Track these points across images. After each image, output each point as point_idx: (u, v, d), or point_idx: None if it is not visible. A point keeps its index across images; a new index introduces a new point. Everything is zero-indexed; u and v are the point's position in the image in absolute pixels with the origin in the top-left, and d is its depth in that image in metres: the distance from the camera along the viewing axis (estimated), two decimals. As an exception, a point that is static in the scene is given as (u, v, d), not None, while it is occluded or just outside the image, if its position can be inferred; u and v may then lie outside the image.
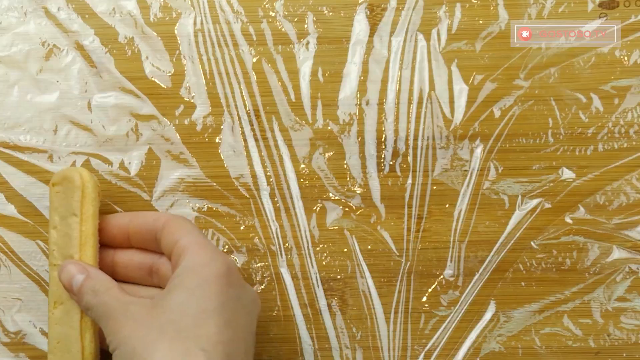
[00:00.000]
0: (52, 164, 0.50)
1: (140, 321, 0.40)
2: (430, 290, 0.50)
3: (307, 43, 0.50)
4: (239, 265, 0.50)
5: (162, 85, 0.50)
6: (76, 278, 0.44)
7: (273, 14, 0.50)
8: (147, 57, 0.50)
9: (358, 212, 0.50)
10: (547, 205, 0.50)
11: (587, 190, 0.50)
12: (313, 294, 0.50)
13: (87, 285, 0.43)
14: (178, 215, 0.46)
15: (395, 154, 0.50)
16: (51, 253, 0.46)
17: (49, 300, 0.46)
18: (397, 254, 0.50)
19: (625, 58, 0.50)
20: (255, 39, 0.50)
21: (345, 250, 0.50)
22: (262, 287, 0.50)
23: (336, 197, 0.50)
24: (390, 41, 0.50)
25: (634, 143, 0.50)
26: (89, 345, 0.45)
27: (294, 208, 0.50)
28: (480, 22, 0.51)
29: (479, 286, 0.50)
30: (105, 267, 0.47)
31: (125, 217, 0.47)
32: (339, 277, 0.50)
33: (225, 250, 0.50)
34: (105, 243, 0.47)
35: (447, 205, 0.50)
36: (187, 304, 0.40)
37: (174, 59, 0.50)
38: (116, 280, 0.47)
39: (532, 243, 0.50)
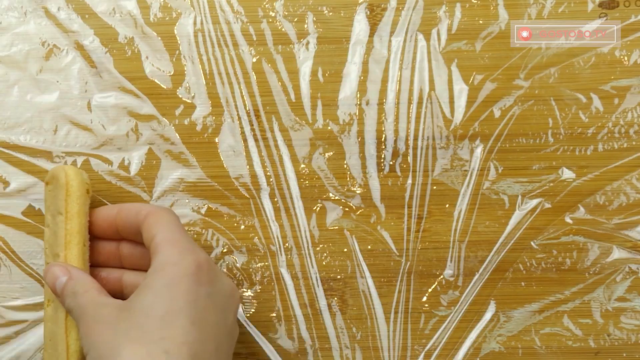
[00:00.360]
0: (52, 164, 0.50)
1: (109, 324, 0.40)
2: (430, 290, 0.50)
3: (307, 43, 0.50)
4: (238, 265, 0.50)
5: (162, 85, 0.50)
6: (60, 280, 0.44)
7: (273, 14, 0.50)
8: (147, 57, 0.50)
9: (358, 212, 0.50)
10: (547, 205, 0.50)
11: (587, 190, 0.50)
12: (313, 294, 0.50)
13: (68, 287, 0.43)
14: (160, 207, 0.45)
15: (395, 154, 0.50)
16: (44, 251, 0.46)
17: (44, 298, 0.46)
18: (397, 254, 0.50)
19: (625, 58, 0.50)
20: (255, 39, 0.50)
21: (345, 250, 0.50)
22: (262, 287, 0.50)
23: (336, 197, 0.50)
24: (390, 41, 0.50)
25: (634, 143, 0.50)
26: (74, 343, 0.45)
27: (294, 208, 0.50)
28: (480, 22, 0.51)
29: (479, 286, 0.50)
30: (113, 257, 0.47)
31: (112, 209, 0.46)
32: (339, 277, 0.50)
33: (225, 251, 0.50)
34: (97, 237, 0.47)
35: (447, 205, 0.50)
36: (153, 305, 0.39)
37: (174, 59, 0.50)
38: (125, 269, 0.47)
39: (532, 243, 0.50)
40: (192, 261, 0.41)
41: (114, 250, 0.47)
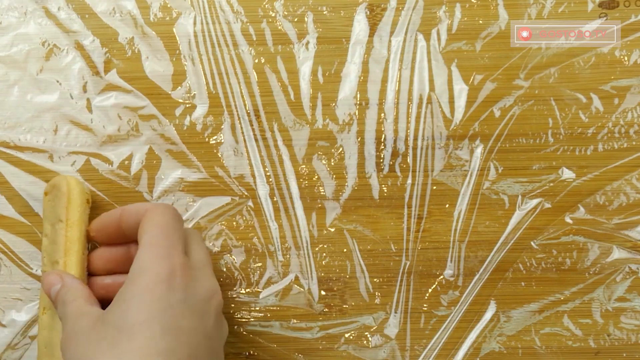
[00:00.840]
0: (52, 164, 0.50)
1: (84, 335, 0.40)
2: (430, 290, 0.50)
3: (307, 43, 0.50)
4: (237, 265, 0.50)
5: (162, 86, 0.50)
6: (54, 288, 0.44)
7: (273, 14, 0.50)
8: (147, 57, 0.50)
9: (358, 212, 0.50)
10: (547, 205, 0.50)
11: (587, 190, 0.50)
12: (312, 294, 0.50)
13: (59, 295, 0.43)
14: (157, 205, 0.44)
15: (394, 154, 0.50)
16: (42, 260, 0.47)
17: (39, 306, 0.47)
18: (397, 254, 0.50)
19: (625, 58, 0.50)
20: (255, 39, 0.50)
21: (345, 250, 0.50)
22: (261, 287, 0.50)
23: (335, 197, 0.50)
24: (390, 41, 0.50)
25: (634, 143, 0.50)
26: None
27: (293, 208, 0.50)
28: (480, 22, 0.50)
29: (479, 286, 0.50)
30: (125, 262, 0.46)
31: (116, 212, 0.46)
32: (338, 277, 0.50)
33: (223, 250, 0.50)
34: (105, 243, 0.47)
35: (447, 205, 0.50)
36: (123, 316, 0.39)
37: (174, 59, 0.50)
38: None
39: (532, 243, 0.50)
40: (165, 267, 0.40)
41: (125, 255, 0.47)
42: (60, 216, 0.46)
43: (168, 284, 0.40)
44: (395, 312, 0.50)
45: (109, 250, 0.47)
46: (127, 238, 0.46)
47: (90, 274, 0.47)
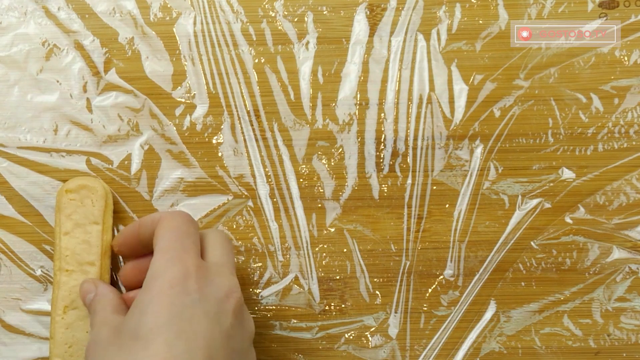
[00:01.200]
0: (52, 164, 0.50)
1: (103, 345, 0.40)
2: (430, 290, 0.50)
3: (307, 43, 0.50)
4: (237, 265, 0.50)
5: (162, 86, 0.50)
6: (88, 296, 0.45)
7: (273, 14, 0.50)
8: (147, 57, 0.50)
9: (357, 212, 0.50)
10: (547, 205, 0.50)
11: (587, 190, 0.50)
12: (312, 294, 0.50)
13: (92, 304, 0.44)
14: (169, 212, 0.44)
15: (394, 154, 0.50)
16: (63, 258, 0.47)
17: (55, 304, 0.47)
18: (397, 254, 0.50)
19: (625, 58, 0.50)
20: (255, 39, 0.50)
21: (345, 250, 0.50)
22: (261, 287, 0.50)
23: (335, 197, 0.50)
24: (390, 41, 0.50)
25: (634, 143, 0.50)
26: None
27: (293, 208, 0.50)
28: (480, 22, 0.51)
29: (479, 286, 0.50)
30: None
31: (134, 225, 0.46)
32: (338, 277, 0.50)
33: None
34: (130, 256, 0.47)
35: (447, 205, 0.50)
36: (138, 324, 0.39)
37: (174, 59, 0.50)
38: None
39: (532, 243, 0.50)
40: (178, 271, 0.40)
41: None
42: (96, 219, 0.47)
43: (181, 287, 0.40)
44: (396, 312, 0.50)
45: (138, 262, 0.46)
46: (148, 248, 0.45)
47: (124, 287, 0.47)
